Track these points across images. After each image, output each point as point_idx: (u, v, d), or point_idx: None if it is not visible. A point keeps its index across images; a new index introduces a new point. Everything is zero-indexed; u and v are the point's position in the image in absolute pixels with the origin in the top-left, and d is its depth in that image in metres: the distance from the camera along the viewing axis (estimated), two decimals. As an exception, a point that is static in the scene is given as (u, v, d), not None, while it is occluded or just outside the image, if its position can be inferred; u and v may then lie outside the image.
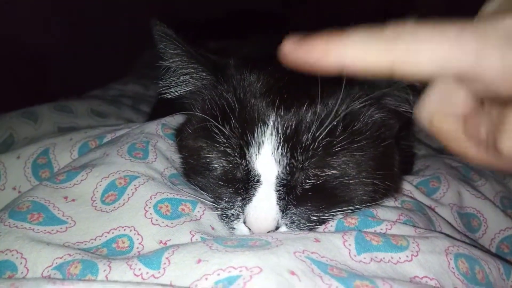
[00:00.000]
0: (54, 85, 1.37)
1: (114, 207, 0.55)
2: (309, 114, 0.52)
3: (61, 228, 0.52)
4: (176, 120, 0.74)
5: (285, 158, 0.52)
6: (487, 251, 0.56)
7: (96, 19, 1.56)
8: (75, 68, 1.46)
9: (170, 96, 0.62)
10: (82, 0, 1.49)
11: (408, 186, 0.68)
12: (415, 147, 0.91)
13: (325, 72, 0.35)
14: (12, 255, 0.47)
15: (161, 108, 0.98)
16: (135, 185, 0.57)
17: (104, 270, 0.44)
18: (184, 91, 0.62)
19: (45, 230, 0.52)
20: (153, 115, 1.09)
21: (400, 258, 0.46)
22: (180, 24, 0.60)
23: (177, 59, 0.59)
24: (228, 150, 0.54)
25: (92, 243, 0.51)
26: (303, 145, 0.51)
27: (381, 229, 0.51)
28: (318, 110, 0.51)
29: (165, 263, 0.43)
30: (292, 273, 0.39)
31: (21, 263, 0.47)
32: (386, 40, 0.32)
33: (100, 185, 0.58)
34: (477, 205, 0.68)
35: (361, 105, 0.53)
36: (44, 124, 0.96)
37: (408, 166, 0.79)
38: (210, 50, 0.63)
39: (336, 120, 0.51)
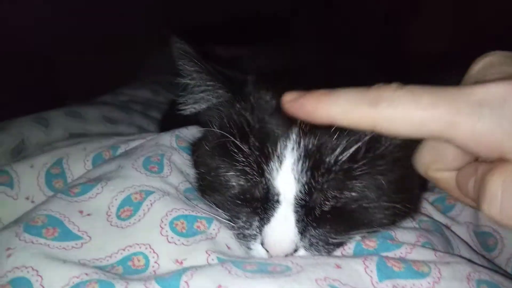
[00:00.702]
0: (63, 90, 1.37)
1: (130, 223, 0.55)
2: (334, 135, 0.51)
3: (76, 244, 0.52)
4: (190, 131, 0.73)
5: (304, 176, 0.51)
6: (506, 275, 0.55)
7: (105, 23, 1.55)
8: (83, 72, 1.46)
9: (187, 113, 0.62)
10: (92, 4, 1.49)
11: (425, 203, 0.67)
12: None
13: (318, 122, 0.39)
14: (28, 272, 0.47)
15: (172, 117, 0.98)
16: (150, 201, 0.57)
17: (122, 292, 0.43)
18: (201, 108, 0.62)
19: (60, 246, 0.51)
20: (164, 123, 1.09)
21: (422, 285, 0.45)
22: (189, 29, 0.60)
23: (195, 76, 0.58)
24: (247, 169, 0.53)
25: (107, 260, 0.51)
26: (326, 166, 0.50)
27: (401, 253, 0.51)
28: (344, 133, 0.51)
29: (184, 287, 0.42)
30: (315, 302, 0.38)
31: (36, 280, 0.46)
32: (368, 102, 0.36)
33: (116, 199, 0.57)
34: (493, 224, 0.67)
35: None
36: (55, 130, 0.96)
37: (424, 182, 0.78)
38: (228, 64, 0.63)
39: (360, 143, 0.50)
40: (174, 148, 0.68)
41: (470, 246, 0.62)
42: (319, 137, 0.51)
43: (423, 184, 0.77)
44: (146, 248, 0.52)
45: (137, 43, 1.66)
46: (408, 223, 0.59)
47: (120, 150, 0.71)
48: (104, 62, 1.52)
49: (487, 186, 0.33)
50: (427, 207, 0.66)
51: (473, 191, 0.37)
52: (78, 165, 0.70)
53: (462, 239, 0.62)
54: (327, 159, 0.50)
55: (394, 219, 0.55)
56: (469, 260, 0.53)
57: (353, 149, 0.50)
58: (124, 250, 0.52)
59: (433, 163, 0.41)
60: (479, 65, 0.38)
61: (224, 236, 0.55)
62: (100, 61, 1.52)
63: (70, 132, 0.98)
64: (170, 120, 0.99)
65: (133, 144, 0.72)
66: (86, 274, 0.46)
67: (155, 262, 0.50)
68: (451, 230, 0.63)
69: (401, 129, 0.35)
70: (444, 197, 0.71)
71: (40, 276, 0.46)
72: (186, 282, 0.42)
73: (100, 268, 0.49)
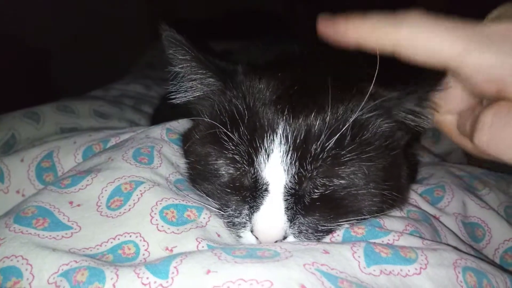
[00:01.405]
0: (56, 83, 1.37)
1: (120, 212, 0.55)
2: (319, 122, 0.51)
3: (66, 234, 0.52)
4: (181, 124, 0.74)
5: (293, 167, 0.51)
6: (493, 264, 0.56)
7: (98, 18, 1.55)
8: (76, 67, 1.45)
9: (178, 102, 0.62)
10: (85, 0, 1.49)
11: (413, 194, 0.68)
12: (419, 154, 0.91)
13: (346, 45, 0.43)
14: (18, 261, 0.47)
15: (164, 112, 0.98)
16: (140, 191, 0.57)
17: (112, 278, 0.43)
18: (192, 97, 0.62)
19: (50, 236, 0.51)
20: (156, 118, 1.09)
21: (409, 270, 0.46)
22: (181, 24, 0.60)
23: (185, 65, 0.59)
24: (236, 157, 0.54)
25: (97, 249, 0.51)
26: (312, 154, 0.51)
27: (389, 240, 0.51)
28: (327, 119, 0.51)
29: (173, 273, 0.42)
30: (303, 286, 0.39)
31: (26, 269, 0.46)
32: (392, 24, 0.40)
33: (106, 190, 0.57)
34: (481, 215, 0.68)
35: (370, 114, 0.53)
36: (47, 125, 0.96)
37: (412, 174, 0.79)
38: (219, 55, 0.63)
39: (345, 128, 0.51)
40: (164, 141, 0.69)
41: (458, 237, 0.62)
42: (304, 126, 0.52)
43: (411, 175, 0.78)
44: (136, 237, 0.52)
45: (131, 39, 1.66)
46: (397, 213, 0.60)
47: (110, 143, 0.71)
48: (100, 58, 1.52)
49: (481, 117, 0.39)
50: (415, 198, 0.66)
51: (469, 129, 0.42)
52: (68, 159, 0.70)
53: (450, 229, 0.62)
54: (314, 147, 0.51)
55: (382, 206, 0.55)
56: (455, 248, 0.53)
57: (338, 135, 0.50)
58: (114, 239, 0.52)
59: (441, 107, 0.49)
60: (495, 13, 0.42)
61: (214, 224, 0.56)
62: (96, 56, 1.52)
63: (61, 126, 0.98)
64: (162, 115, 0.99)
65: (124, 137, 0.72)
66: (76, 261, 0.46)
67: (146, 250, 0.51)
68: (440, 221, 0.64)
69: (419, 51, 0.39)
70: (432, 188, 0.71)
71: (30, 265, 0.46)
72: (175, 267, 0.43)
73: (90, 256, 0.49)
